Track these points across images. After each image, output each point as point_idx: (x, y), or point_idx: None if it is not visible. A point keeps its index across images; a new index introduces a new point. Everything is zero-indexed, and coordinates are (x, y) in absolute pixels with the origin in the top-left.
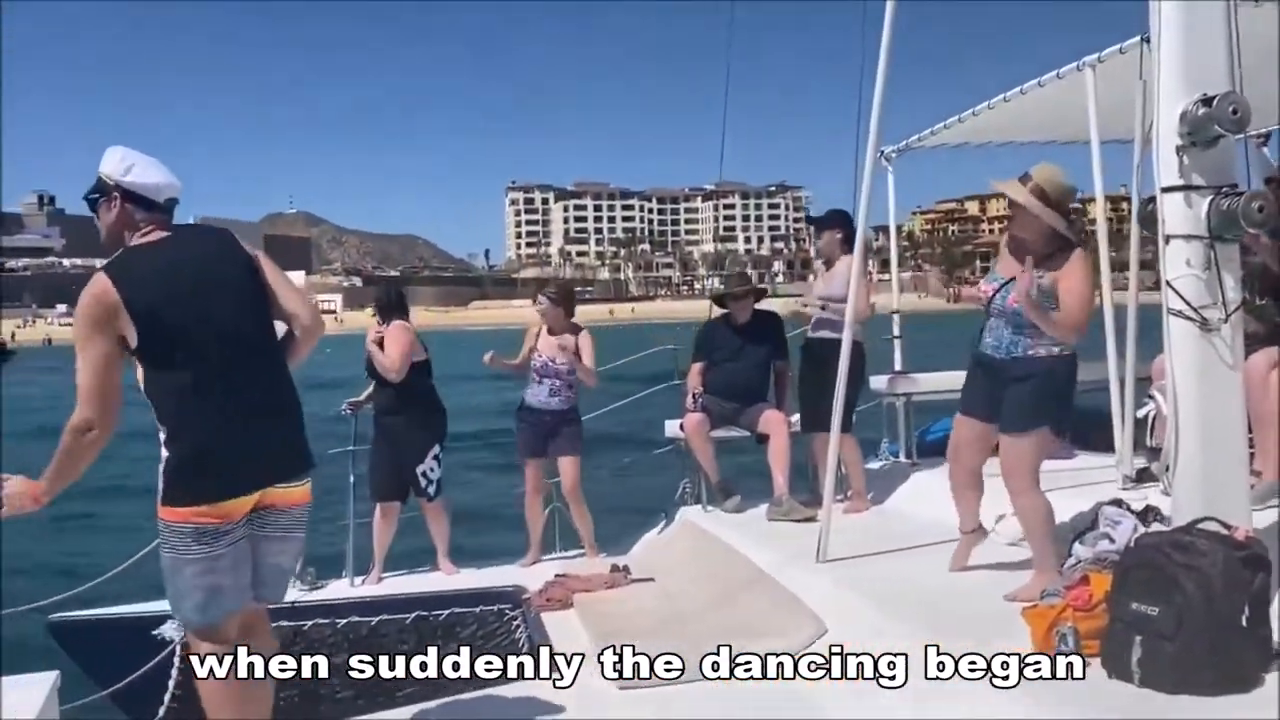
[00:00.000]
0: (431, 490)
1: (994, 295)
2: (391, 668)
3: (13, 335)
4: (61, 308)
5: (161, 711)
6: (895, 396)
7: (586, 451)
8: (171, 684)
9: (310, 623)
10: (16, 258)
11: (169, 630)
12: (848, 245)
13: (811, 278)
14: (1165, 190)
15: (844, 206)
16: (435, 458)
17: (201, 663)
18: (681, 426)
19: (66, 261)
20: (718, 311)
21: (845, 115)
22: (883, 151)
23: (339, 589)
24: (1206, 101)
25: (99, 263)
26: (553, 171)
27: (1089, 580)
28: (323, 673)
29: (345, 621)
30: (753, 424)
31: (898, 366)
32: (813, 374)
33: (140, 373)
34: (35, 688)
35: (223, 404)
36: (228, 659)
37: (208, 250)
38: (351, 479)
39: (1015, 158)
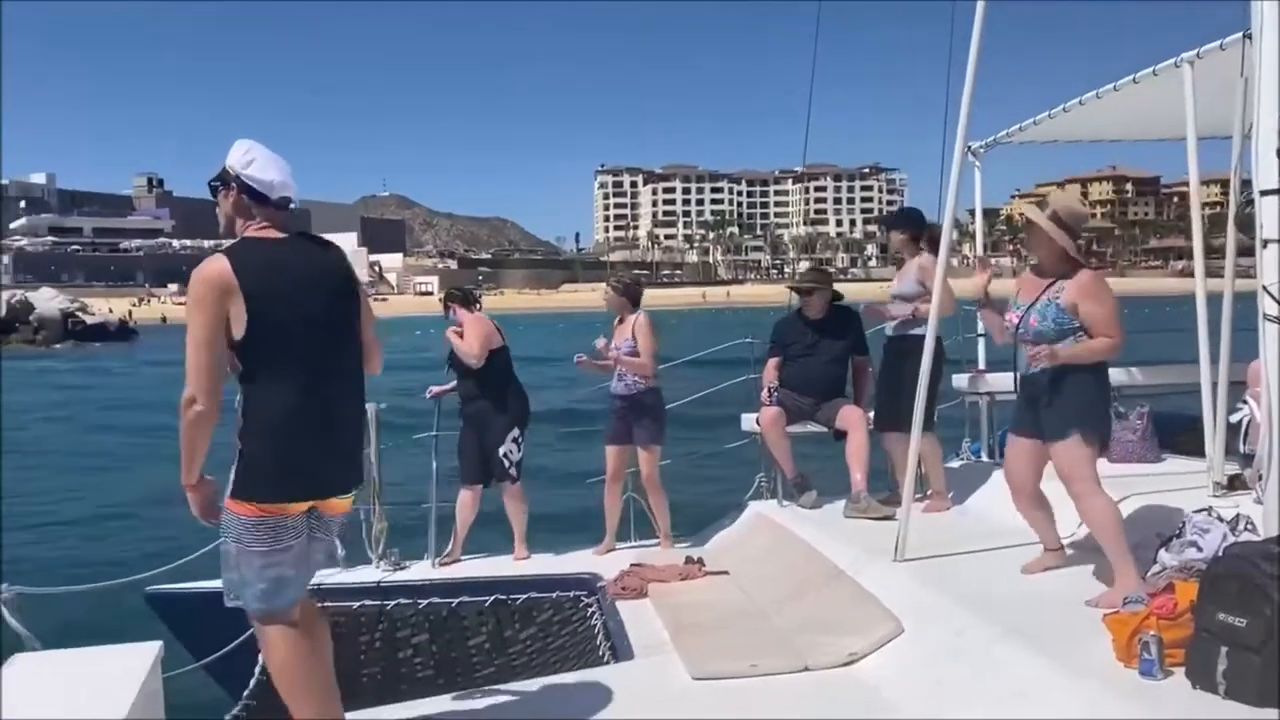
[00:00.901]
0: (513, 473)
1: (1019, 321)
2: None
3: (129, 313)
4: (174, 287)
5: (252, 684)
6: (977, 395)
7: (668, 441)
8: (262, 657)
9: (394, 603)
10: (130, 239)
11: None
12: (916, 245)
13: (872, 247)
14: (1264, 193)
15: (934, 194)
16: (515, 440)
17: (269, 645)
18: (758, 421)
19: (176, 243)
20: (797, 302)
21: (936, 99)
22: (970, 147)
23: (421, 570)
24: None
25: (208, 244)
26: (641, 155)
27: (1174, 588)
28: (406, 652)
29: (426, 602)
30: (830, 420)
31: (981, 365)
32: (890, 371)
33: (232, 361)
34: (140, 656)
35: (309, 408)
36: (292, 640)
37: (320, 260)
38: (434, 464)
39: (1105, 154)
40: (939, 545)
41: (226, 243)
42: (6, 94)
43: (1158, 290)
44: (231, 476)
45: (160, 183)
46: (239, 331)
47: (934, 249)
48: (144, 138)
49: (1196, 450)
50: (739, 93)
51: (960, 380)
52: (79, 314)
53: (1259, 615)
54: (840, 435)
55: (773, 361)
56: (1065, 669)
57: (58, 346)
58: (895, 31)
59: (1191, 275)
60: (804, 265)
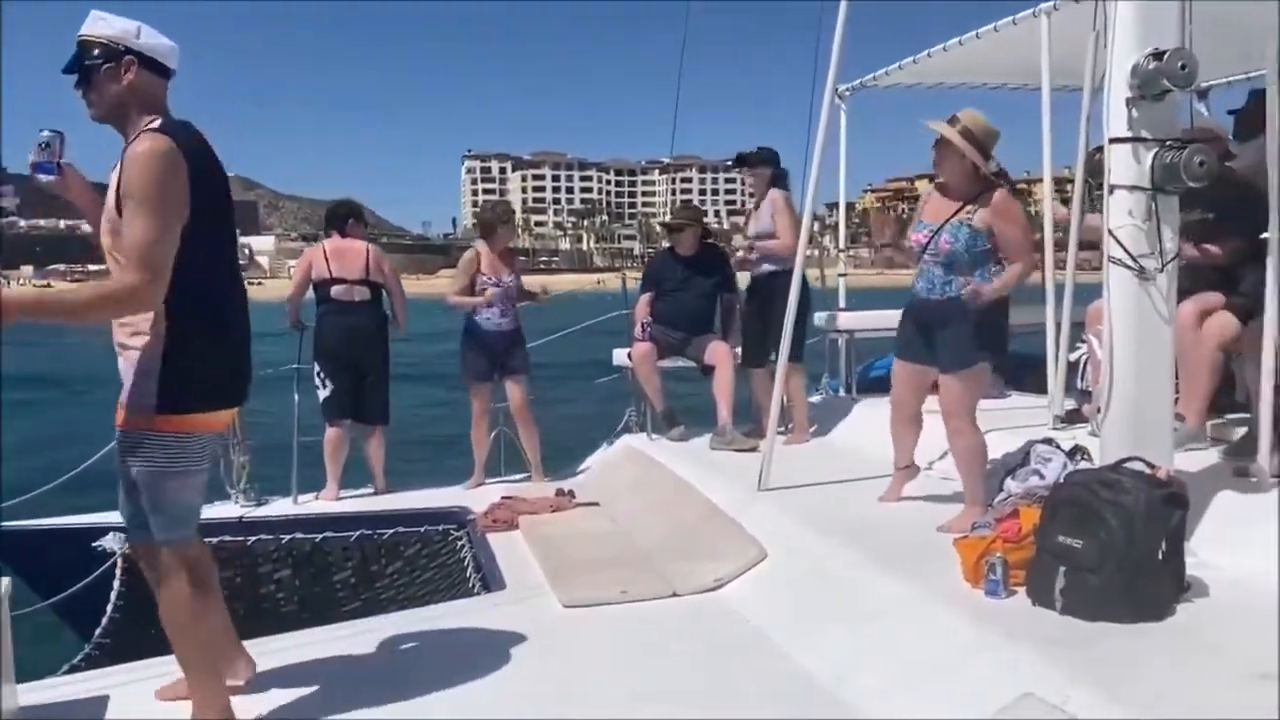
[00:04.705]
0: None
1: (928, 241)
2: (335, 583)
3: None
4: (28, 270)
5: (104, 622)
6: (838, 333)
7: (535, 379)
8: (114, 595)
9: (255, 538)
10: None
11: (110, 542)
12: (773, 179)
13: (743, 221)
14: (1113, 141)
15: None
16: (318, 374)
17: (169, 580)
18: (629, 355)
19: (24, 222)
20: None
21: (799, 100)
22: (838, 90)
23: (283, 506)
24: (1157, 56)
25: (64, 223)
26: (507, 141)
27: (1019, 514)
28: (268, 587)
29: (289, 538)
30: (699, 355)
31: (841, 304)
32: (757, 309)
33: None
34: None
35: (242, 301)
36: (189, 575)
37: (214, 154)
38: (296, 398)
39: (964, 103)
40: (800, 476)
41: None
42: None
43: None
44: (153, 388)
45: None
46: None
47: (778, 183)
48: None
49: (1039, 387)
50: (606, 82)
51: (822, 318)
52: None
53: (1094, 537)
54: (708, 370)
55: (645, 297)
56: (919, 590)
57: None
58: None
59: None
60: None
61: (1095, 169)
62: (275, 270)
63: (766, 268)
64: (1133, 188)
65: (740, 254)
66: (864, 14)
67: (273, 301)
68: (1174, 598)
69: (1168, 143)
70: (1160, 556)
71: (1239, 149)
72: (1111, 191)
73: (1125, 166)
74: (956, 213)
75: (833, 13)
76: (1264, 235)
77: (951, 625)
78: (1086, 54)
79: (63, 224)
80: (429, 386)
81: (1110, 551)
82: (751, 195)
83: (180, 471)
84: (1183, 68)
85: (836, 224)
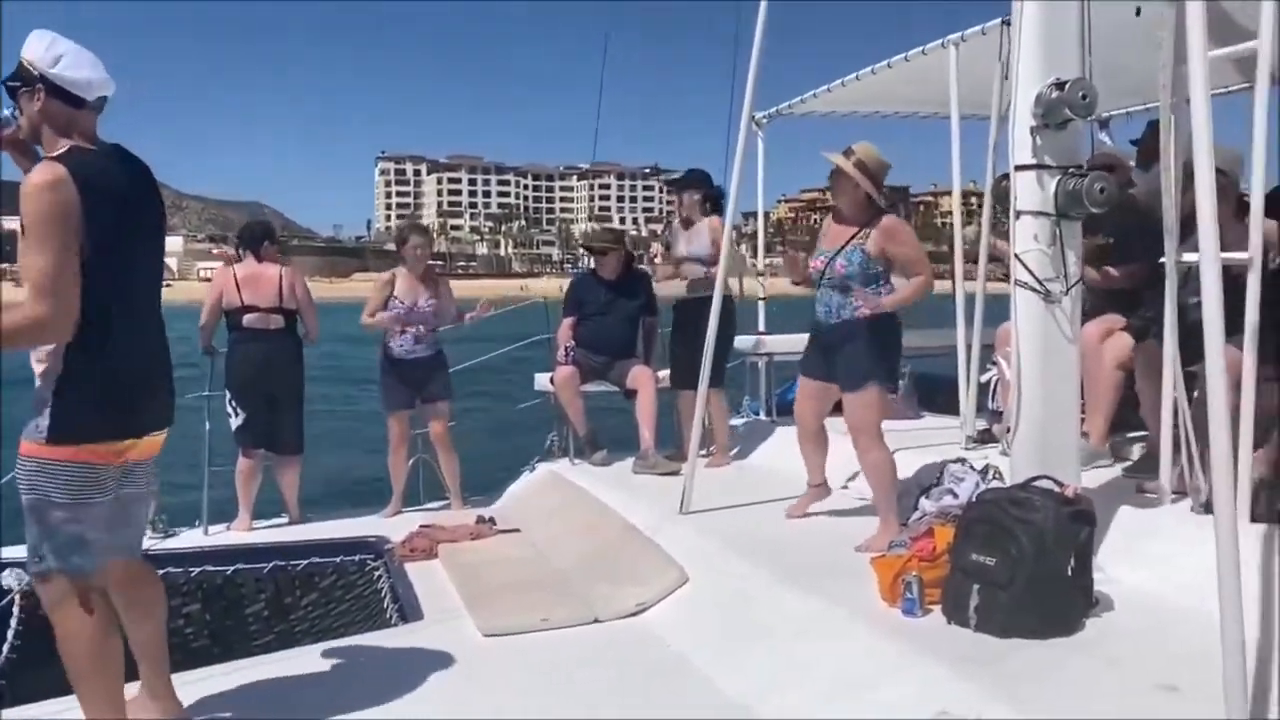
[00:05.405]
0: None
1: (825, 267)
2: (247, 616)
3: None
4: None
5: (0, 661)
6: (758, 356)
7: (456, 404)
8: (10, 634)
9: (162, 571)
10: None
11: (8, 579)
12: (707, 205)
13: (661, 229)
14: (1019, 168)
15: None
16: (230, 403)
17: (57, 607)
18: (551, 380)
19: None
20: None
21: (719, 104)
22: (754, 117)
23: (192, 538)
24: (1060, 85)
25: (6, 221)
26: (422, 144)
27: (933, 533)
28: (177, 622)
29: (199, 570)
30: (622, 379)
31: (761, 328)
32: (681, 332)
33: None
34: None
35: (142, 333)
36: (80, 606)
37: (143, 179)
38: (207, 426)
39: (879, 131)
40: (722, 498)
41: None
42: None
43: None
44: (44, 418)
45: None
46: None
47: (718, 210)
48: None
49: (951, 408)
50: (526, 85)
51: (743, 342)
52: None
53: (1006, 555)
54: (631, 394)
55: (567, 321)
56: (838, 610)
57: None
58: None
59: (942, 279)
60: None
61: (1002, 195)
62: (184, 272)
63: (693, 291)
64: (1038, 213)
65: (657, 259)
66: (783, 38)
67: (180, 304)
68: (1083, 612)
69: (1070, 170)
70: (1069, 572)
71: (1140, 177)
72: (1018, 217)
73: (1030, 193)
74: (851, 238)
75: (748, 43)
76: (1162, 260)
77: (870, 644)
78: (993, 84)
79: (5, 221)
80: (345, 409)
81: (1021, 568)
82: (671, 210)
83: (69, 502)
84: (1083, 97)
85: (753, 232)
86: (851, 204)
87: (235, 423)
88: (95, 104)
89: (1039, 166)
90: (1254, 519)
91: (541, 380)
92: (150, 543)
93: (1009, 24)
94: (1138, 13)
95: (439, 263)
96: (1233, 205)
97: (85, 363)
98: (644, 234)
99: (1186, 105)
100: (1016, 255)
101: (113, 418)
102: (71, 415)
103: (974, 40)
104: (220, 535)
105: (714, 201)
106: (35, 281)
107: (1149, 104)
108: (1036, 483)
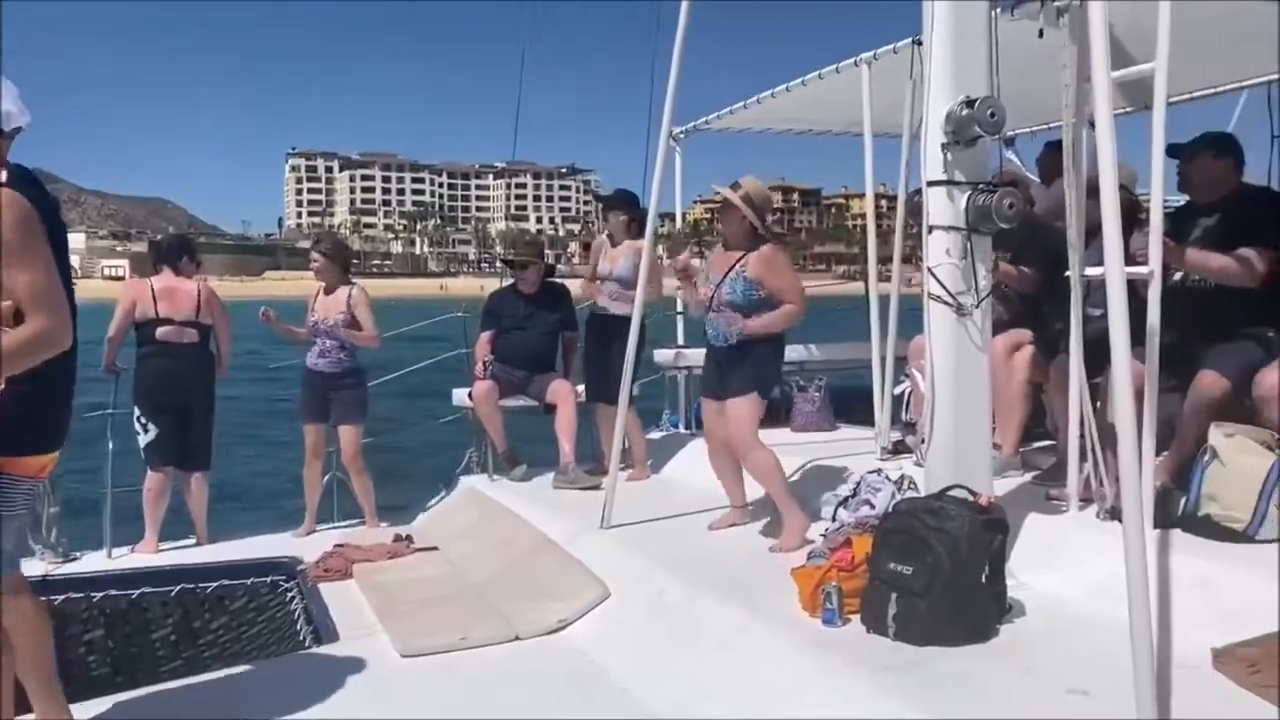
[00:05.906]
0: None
1: (713, 294)
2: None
3: None
4: None
5: None
6: (677, 370)
7: (371, 419)
8: None
9: (62, 597)
10: None
11: None
12: (633, 226)
13: (579, 228)
14: (930, 184)
15: (631, 188)
16: (138, 419)
17: None
18: (470, 395)
19: None
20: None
21: (637, 102)
22: (672, 132)
23: (95, 561)
24: (969, 103)
25: None
26: (331, 139)
27: (851, 543)
28: (78, 651)
29: (101, 595)
30: (541, 393)
31: (680, 341)
32: (599, 347)
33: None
34: None
35: (72, 349)
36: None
37: (54, 199)
38: (110, 444)
39: (774, 168)
40: (642, 512)
41: None
42: None
43: (828, 292)
44: (9, 430)
45: None
46: None
47: (643, 231)
48: None
49: (866, 419)
50: (435, 83)
51: (662, 355)
52: None
53: (923, 563)
54: (550, 409)
55: (485, 335)
56: (759, 621)
57: None
58: (600, 25)
59: (854, 280)
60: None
61: (915, 210)
62: (88, 270)
63: (610, 307)
64: (949, 228)
65: (575, 259)
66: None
67: (87, 302)
68: (997, 619)
69: (980, 186)
70: (983, 580)
71: (1041, 193)
72: (930, 232)
73: (942, 208)
74: (734, 265)
75: (667, 53)
76: (1067, 274)
77: (791, 655)
78: (905, 101)
79: None
80: (257, 422)
81: (937, 576)
82: (589, 211)
83: (16, 513)
84: (992, 115)
85: (668, 234)
86: (737, 233)
87: (144, 439)
88: (10, 134)
89: (950, 182)
90: (1156, 525)
91: (460, 395)
92: (50, 567)
93: (920, 43)
94: (1040, 34)
95: (354, 260)
96: (1131, 220)
97: (40, 376)
98: (561, 234)
99: (1089, 126)
100: (929, 269)
101: (47, 429)
102: (29, 426)
103: (886, 58)
104: (125, 558)
105: (640, 224)
106: (29, 297)
107: (1050, 124)
108: (951, 492)
